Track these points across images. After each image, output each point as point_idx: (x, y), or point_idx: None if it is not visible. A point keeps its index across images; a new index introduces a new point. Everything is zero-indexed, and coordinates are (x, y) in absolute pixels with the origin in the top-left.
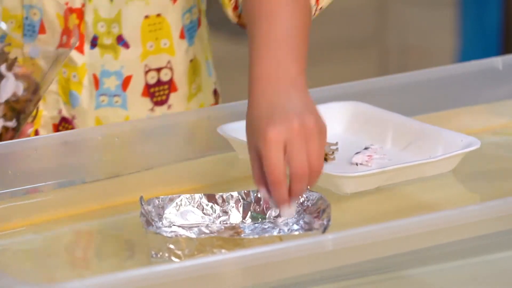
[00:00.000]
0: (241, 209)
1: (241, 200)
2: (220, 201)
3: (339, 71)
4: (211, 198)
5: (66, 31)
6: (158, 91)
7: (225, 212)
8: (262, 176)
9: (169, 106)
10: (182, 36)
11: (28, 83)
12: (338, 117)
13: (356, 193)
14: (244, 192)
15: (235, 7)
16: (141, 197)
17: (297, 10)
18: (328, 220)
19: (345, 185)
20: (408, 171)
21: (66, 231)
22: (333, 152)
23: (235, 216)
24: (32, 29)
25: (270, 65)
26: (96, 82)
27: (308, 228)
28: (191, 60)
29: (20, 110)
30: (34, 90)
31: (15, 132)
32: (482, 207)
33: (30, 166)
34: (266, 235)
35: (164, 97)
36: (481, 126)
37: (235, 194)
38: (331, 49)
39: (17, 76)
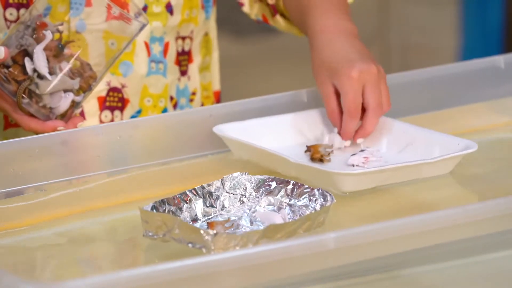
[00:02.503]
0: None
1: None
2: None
3: None
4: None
5: (115, 3)
6: (183, 60)
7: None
8: (335, 109)
9: (189, 78)
10: (202, 6)
11: (81, 62)
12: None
13: (353, 194)
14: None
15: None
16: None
17: None
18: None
19: (344, 183)
20: (406, 171)
21: (66, 230)
22: (329, 154)
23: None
24: (79, 1)
25: (331, 21)
26: (148, 48)
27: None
28: (205, 34)
29: (85, 88)
30: (90, 68)
31: (76, 107)
32: (480, 206)
33: (30, 166)
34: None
35: (185, 68)
36: (482, 124)
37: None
38: None
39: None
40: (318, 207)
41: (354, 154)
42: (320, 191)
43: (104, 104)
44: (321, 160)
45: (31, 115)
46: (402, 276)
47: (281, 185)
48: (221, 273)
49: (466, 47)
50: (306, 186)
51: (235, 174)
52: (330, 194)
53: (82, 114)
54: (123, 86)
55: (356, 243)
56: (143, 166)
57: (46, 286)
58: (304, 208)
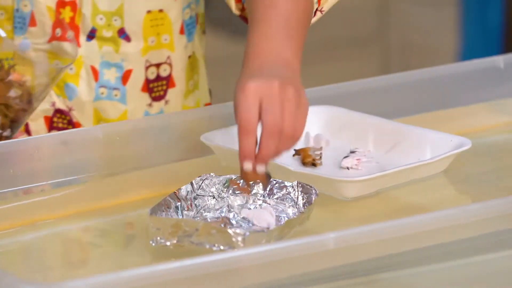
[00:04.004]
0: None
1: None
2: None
3: (341, 70)
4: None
5: (58, 24)
6: (156, 87)
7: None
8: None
9: (166, 102)
10: (182, 31)
11: (22, 92)
12: (314, 121)
13: (348, 197)
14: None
15: (238, 0)
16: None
17: (299, 1)
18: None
19: (348, 190)
20: (405, 173)
21: (67, 230)
22: (320, 157)
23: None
24: (22, 21)
25: (266, 46)
26: (96, 73)
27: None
28: (189, 56)
29: (14, 119)
30: (29, 101)
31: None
32: (477, 207)
33: (30, 166)
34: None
35: (162, 93)
36: (482, 124)
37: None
38: (333, 47)
39: (10, 84)
40: (298, 198)
41: (346, 157)
42: (288, 182)
43: (52, 124)
44: (313, 164)
45: None
46: (402, 276)
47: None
48: (221, 273)
49: (466, 47)
50: (273, 180)
51: (204, 176)
52: (304, 184)
53: (28, 131)
54: (70, 109)
55: (355, 243)
56: (144, 167)
57: (46, 286)
58: (281, 200)
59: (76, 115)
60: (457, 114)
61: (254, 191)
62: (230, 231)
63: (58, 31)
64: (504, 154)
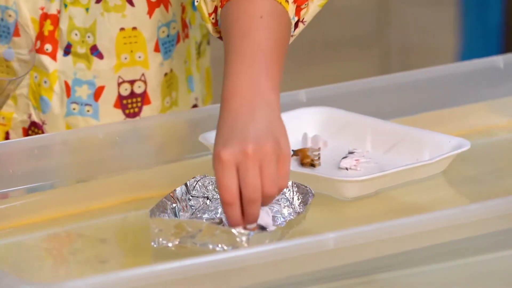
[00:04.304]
0: None
1: None
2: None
3: (341, 70)
4: None
5: (40, 36)
6: (131, 103)
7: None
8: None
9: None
10: (157, 49)
11: None
12: (311, 123)
13: (348, 197)
14: None
15: (215, 23)
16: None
17: (274, 26)
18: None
19: (348, 190)
20: (405, 173)
21: (66, 230)
22: (319, 158)
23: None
24: (7, 30)
25: (242, 80)
26: (68, 89)
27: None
28: (165, 74)
29: None
30: None
31: None
32: (477, 207)
33: (30, 166)
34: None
35: (136, 109)
36: (482, 124)
37: None
38: (332, 47)
39: None
40: (294, 198)
41: (345, 157)
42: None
43: (27, 136)
44: (312, 164)
45: None
46: (402, 277)
47: None
48: (221, 274)
49: (466, 47)
50: None
51: (198, 177)
52: (300, 185)
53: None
54: (43, 123)
55: (355, 243)
56: (144, 167)
57: (46, 286)
58: (276, 201)
59: (48, 129)
60: (457, 114)
61: None
62: (234, 231)
63: (39, 43)
64: (504, 155)
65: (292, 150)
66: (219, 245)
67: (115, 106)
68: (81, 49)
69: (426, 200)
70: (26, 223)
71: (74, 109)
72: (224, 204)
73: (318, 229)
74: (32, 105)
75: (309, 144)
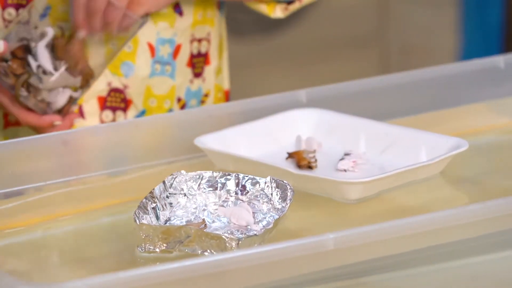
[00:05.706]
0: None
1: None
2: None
3: (340, 70)
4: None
5: None
6: (197, 62)
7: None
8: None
9: (204, 79)
10: (218, 5)
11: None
12: (304, 124)
13: (342, 199)
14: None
15: None
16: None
17: None
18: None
19: (352, 192)
20: (406, 174)
21: (65, 231)
22: (315, 160)
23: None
24: None
25: None
26: (152, 50)
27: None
28: (220, 36)
29: (83, 85)
30: (88, 66)
31: (73, 103)
32: (476, 207)
33: (29, 166)
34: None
35: (200, 70)
36: (482, 124)
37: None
38: (332, 47)
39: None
40: (273, 194)
41: (342, 159)
42: (261, 178)
43: (105, 104)
44: (309, 167)
45: (29, 109)
46: (402, 277)
47: (221, 179)
48: (220, 274)
49: (466, 47)
50: (245, 176)
51: (175, 174)
52: (278, 180)
53: (81, 113)
54: (125, 87)
55: (355, 244)
56: (144, 167)
57: (45, 286)
58: (255, 197)
59: (130, 92)
60: (456, 114)
61: (226, 188)
62: (224, 236)
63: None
64: (503, 155)
65: (288, 153)
66: (208, 251)
67: (187, 65)
68: (164, 8)
69: (425, 200)
70: (25, 224)
71: (156, 69)
72: (92, 12)
73: (319, 230)
74: (111, 73)
75: (303, 147)
